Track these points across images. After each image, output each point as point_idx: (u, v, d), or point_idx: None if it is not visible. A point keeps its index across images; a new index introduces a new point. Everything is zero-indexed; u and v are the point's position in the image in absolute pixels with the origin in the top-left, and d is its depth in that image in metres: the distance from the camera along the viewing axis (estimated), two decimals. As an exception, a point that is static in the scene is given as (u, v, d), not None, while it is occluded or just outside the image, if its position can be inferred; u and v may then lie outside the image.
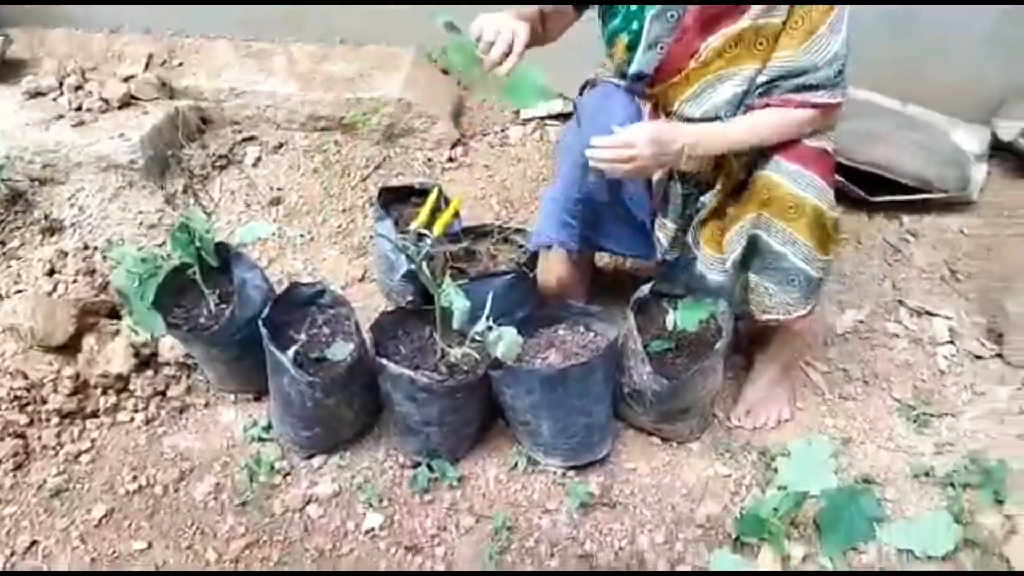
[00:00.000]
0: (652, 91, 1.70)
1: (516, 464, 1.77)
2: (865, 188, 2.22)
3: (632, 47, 1.65)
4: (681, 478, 1.75)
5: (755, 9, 1.54)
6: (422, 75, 2.69)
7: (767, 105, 1.58)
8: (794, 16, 1.53)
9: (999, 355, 1.91)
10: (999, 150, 2.38)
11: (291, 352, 1.68)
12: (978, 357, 1.92)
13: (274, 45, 2.74)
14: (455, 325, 1.64)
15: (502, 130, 2.76)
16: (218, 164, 2.51)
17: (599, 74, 1.85)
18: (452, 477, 1.75)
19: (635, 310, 1.74)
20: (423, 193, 2.12)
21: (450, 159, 2.65)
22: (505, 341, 1.55)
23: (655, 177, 1.72)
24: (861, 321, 2.04)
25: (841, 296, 2.09)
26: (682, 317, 1.64)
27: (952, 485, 1.67)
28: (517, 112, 2.81)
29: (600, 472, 1.76)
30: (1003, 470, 1.66)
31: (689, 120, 1.66)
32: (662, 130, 1.58)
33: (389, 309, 1.88)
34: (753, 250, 1.64)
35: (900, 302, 2.07)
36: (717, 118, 1.63)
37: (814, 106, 1.58)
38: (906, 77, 2.36)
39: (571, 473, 1.75)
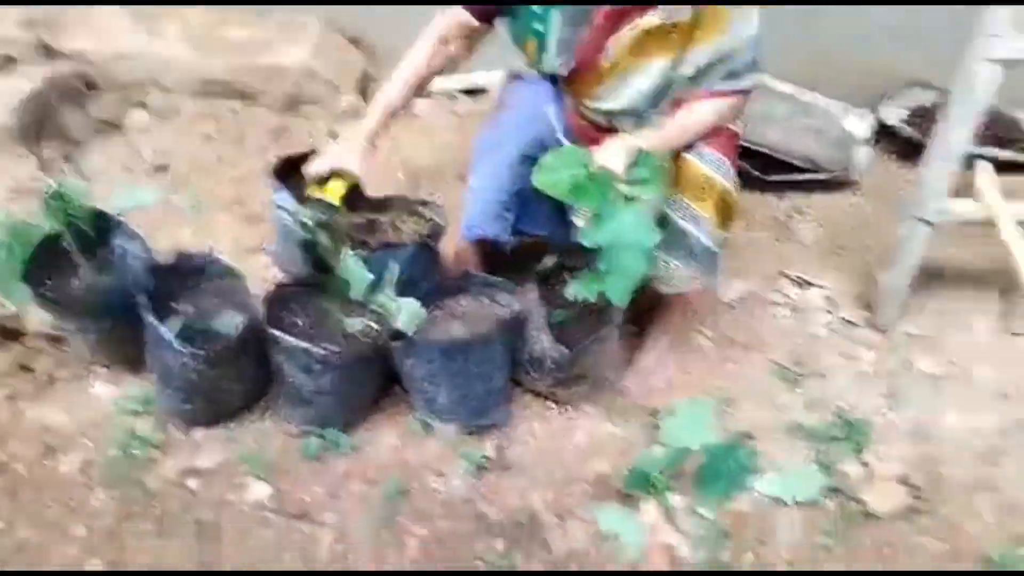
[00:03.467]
0: (567, 88, 1.73)
1: (411, 430, 1.79)
2: (759, 168, 2.33)
3: (541, 48, 1.67)
4: (573, 440, 1.80)
5: (656, 9, 1.57)
6: (328, 44, 2.64)
7: (699, 99, 1.64)
8: (703, 11, 1.57)
9: (869, 323, 2.04)
10: (885, 135, 2.53)
11: (174, 323, 1.63)
12: (850, 323, 2.05)
13: (167, 8, 2.63)
14: (353, 295, 1.64)
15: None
16: (100, 130, 2.40)
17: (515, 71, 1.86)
18: (346, 445, 1.74)
19: (538, 283, 1.77)
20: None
21: (358, 131, 2.61)
22: (407, 311, 1.55)
23: None
24: (748, 291, 2.14)
25: (730, 266, 2.18)
26: (579, 288, 1.68)
27: (819, 438, 1.79)
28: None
29: (496, 436, 1.79)
30: (864, 424, 1.79)
31: (608, 113, 1.72)
32: (621, 146, 1.59)
33: (285, 281, 1.85)
34: (660, 227, 1.70)
35: (783, 273, 2.19)
36: (634, 110, 1.69)
37: (741, 92, 1.66)
38: (806, 66, 2.48)
39: (467, 437, 1.78)
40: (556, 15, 1.62)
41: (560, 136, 1.68)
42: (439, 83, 2.78)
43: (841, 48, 2.48)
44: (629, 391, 1.90)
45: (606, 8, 1.59)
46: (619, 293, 1.54)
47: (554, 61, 1.68)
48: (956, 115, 1.74)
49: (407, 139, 2.59)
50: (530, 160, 1.66)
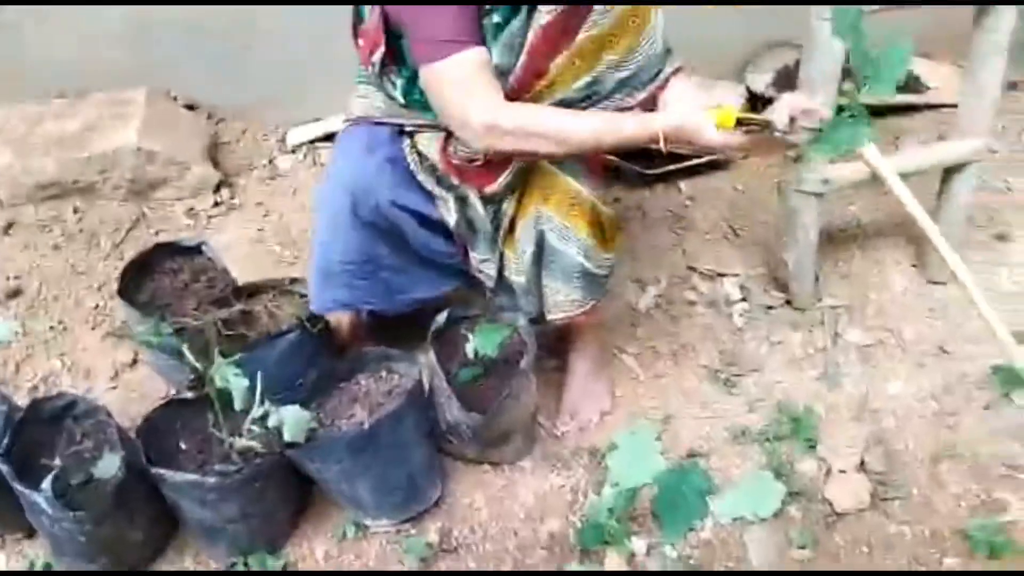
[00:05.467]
0: None
1: (345, 533, 1.62)
2: (641, 163, 2.24)
3: None
4: (519, 500, 1.68)
5: (588, 21, 1.42)
6: (162, 117, 2.40)
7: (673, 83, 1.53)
8: (624, 16, 1.44)
9: (787, 302, 1.99)
10: (755, 101, 2.48)
11: (46, 485, 1.41)
12: (770, 308, 1.99)
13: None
14: (238, 406, 1.46)
15: (270, 161, 2.55)
16: (-69, 264, 2.11)
17: (357, 116, 1.66)
18: (275, 567, 1.56)
19: (434, 342, 1.63)
20: (185, 252, 1.88)
21: (216, 204, 2.41)
22: (290, 422, 1.39)
23: (451, 220, 1.58)
24: (660, 295, 2.06)
25: (638, 274, 2.10)
26: (481, 342, 1.56)
27: (768, 439, 1.72)
28: (283, 139, 2.60)
29: (436, 517, 1.65)
30: (811, 416, 1.73)
31: None
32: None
33: (161, 401, 1.64)
34: (540, 248, 1.58)
35: (692, 268, 2.11)
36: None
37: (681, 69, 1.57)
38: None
39: (406, 526, 1.63)
40: (493, 44, 1.43)
41: (391, 198, 1.52)
42: (295, 135, 2.61)
43: (692, 21, 2.42)
44: (563, 434, 1.79)
45: (540, 33, 1.41)
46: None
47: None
48: (812, 80, 1.70)
49: (274, 204, 2.40)
50: (368, 224, 1.52)
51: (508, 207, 1.61)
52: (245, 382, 1.45)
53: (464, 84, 1.35)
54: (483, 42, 1.37)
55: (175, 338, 1.56)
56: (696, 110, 1.33)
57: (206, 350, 1.56)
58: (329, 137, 2.57)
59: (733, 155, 1.36)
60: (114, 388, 1.91)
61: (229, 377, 1.45)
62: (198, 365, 1.48)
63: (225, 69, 2.47)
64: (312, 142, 2.59)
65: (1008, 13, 1.70)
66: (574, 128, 1.37)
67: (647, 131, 1.36)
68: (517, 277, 1.63)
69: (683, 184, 2.33)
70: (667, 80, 1.55)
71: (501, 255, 1.64)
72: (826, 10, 1.61)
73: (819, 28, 1.64)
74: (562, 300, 1.61)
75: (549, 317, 1.65)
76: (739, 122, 1.30)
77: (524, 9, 1.40)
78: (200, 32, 2.39)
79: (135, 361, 1.97)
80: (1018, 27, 1.75)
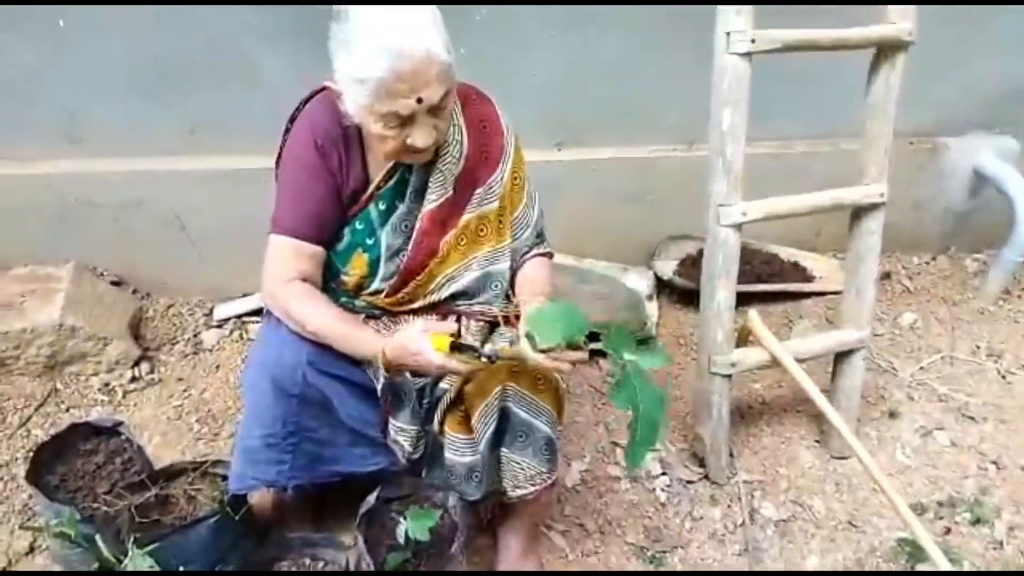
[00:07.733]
0: (387, 301, 1.63)
1: None
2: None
3: (373, 262, 1.59)
4: None
5: (473, 200, 1.61)
6: (86, 293, 2.40)
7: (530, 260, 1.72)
8: (502, 204, 1.65)
9: (705, 477, 2.06)
10: (663, 286, 2.70)
11: None
12: (689, 483, 2.06)
13: None
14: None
15: (194, 335, 2.55)
16: None
17: None
18: None
19: (363, 526, 1.60)
20: (101, 433, 1.83)
21: (133, 379, 2.36)
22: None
23: (378, 385, 1.63)
24: (586, 470, 2.10)
25: (564, 449, 2.15)
26: (412, 528, 1.54)
27: (696, 623, 1.73)
28: (209, 313, 2.62)
29: None
30: (735, 596, 1.76)
31: (435, 306, 1.66)
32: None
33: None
34: (503, 424, 1.62)
35: (615, 443, 2.18)
36: (464, 293, 1.66)
37: (551, 254, 1.77)
38: (577, 235, 2.62)
39: None
40: (381, 227, 1.58)
41: (318, 366, 1.57)
42: (223, 310, 2.62)
43: (607, 216, 2.66)
44: (495, 618, 1.74)
45: (428, 213, 1.58)
46: (639, 460, 1.44)
47: (387, 271, 1.60)
48: (714, 277, 1.88)
49: (195, 379, 2.37)
50: (293, 396, 1.54)
51: (449, 387, 1.65)
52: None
53: (271, 257, 1.57)
54: (314, 239, 1.56)
55: (84, 525, 1.49)
56: (420, 333, 1.46)
57: (118, 538, 1.49)
58: (258, 312, 2.60)
59: (455, 375, 1.54)
60: (4, 582, 1.76)
61: (144, 568, 1.38)
62: (110, 556, 1.41)
63: (154, 245, 2.52)
64: (240, 317, 2.60)
65: (879, 215, 1.95)
66: (313, 325, 1.54)
67: (371, 351, 1.53)
68: (462, 458, 1.63)
69: (602, 362, 2.45)
70: (526, 257, 1.73)
71: (426, 434, 1.67)
72: (722, 218, 1.82)
73: (715, 231, 1.85)
74: (532, 474, 1.63)
75: (515, 493, 1.65)
76: (454, 347, 1.45)
77: (408, 197, 1.58)
78: (130, 208, 2.45)
79: (32, 549, 1.83)
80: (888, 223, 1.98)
